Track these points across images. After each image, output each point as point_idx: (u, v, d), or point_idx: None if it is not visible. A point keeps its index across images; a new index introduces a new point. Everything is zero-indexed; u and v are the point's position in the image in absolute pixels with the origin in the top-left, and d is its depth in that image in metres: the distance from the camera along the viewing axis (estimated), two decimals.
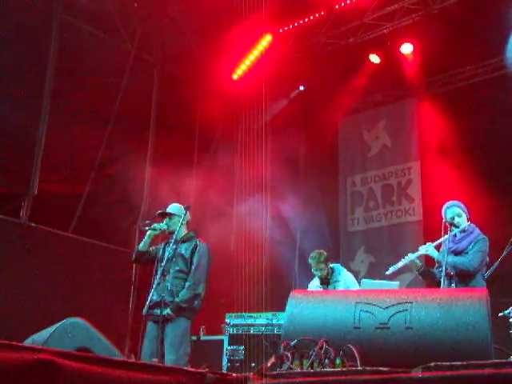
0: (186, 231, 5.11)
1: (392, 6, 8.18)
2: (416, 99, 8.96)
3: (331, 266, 5.98)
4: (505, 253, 5.20)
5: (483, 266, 4.99)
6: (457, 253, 5.02)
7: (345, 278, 5.91)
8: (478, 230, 5.09)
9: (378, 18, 8.40)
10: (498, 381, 1.62)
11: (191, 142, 9.35)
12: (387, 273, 5.05)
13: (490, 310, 2.22)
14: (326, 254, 5.95)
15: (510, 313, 4.72)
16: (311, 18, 8.74)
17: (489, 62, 8.34)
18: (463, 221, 5.06)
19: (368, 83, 8.79)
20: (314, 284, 6.07)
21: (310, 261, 5.93)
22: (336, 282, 5.90)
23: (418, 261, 5.10)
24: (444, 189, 8.28)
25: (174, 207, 5.15)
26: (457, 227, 5.02)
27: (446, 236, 4.90)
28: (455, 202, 5.19)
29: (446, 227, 4.87)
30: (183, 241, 4.99)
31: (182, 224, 4.97)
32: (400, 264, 5.04)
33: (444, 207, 5.17)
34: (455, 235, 5.12)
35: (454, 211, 5.09)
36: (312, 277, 6.17)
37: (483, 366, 1.74)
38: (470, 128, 7.85)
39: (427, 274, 5.05)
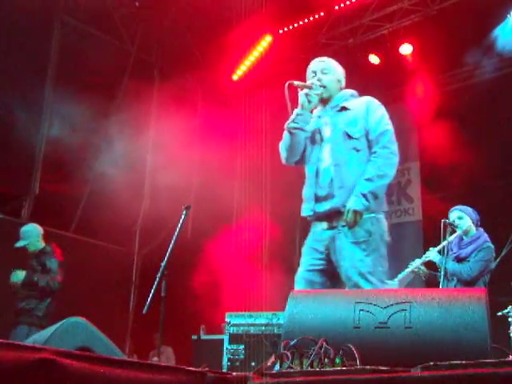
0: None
1: (391, 7, 8.20)
2: (415, 99, 8.96)
3: None
4: (504, 251, 5.22)
5: (486, 274, 5.00)
6: (459, 259, 5.04)
7: None
8: (484, 237, 5.09)
9: (377, 19, 8.42)
10: (497, 380, 1.63)
11: (192, 141, 9.35)
12: (396, 280, 5.06)
13: (489, 309, 2.23)
14: None
15: (508, 312, 4.75)
16: (311, 18, 8.75)
17: (488, 63, 8.33)
18: (464, 223, 5.07)
19: (368, 83, 8.79)
20: None
21: None
22: None
23: (424, 268, 5.12)
24: (444, 188, 8.29)
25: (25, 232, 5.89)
26: (456, 227, 5.04)
27: (450, 239, 4.92)
28: (458, 206, 5.22)
29: (444, 227, 4.90)
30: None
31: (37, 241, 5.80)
32: (407, 270, 5.06)
33: (449, 211, 5.21)
34: (462, 239, 5.13)
35: (455, 214, 5.12)
36: None
37: (482, 366, 1.74)
38: (469, 128, 7.86)
39: (436, 280, 5.06)
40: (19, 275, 5.61)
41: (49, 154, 7.53)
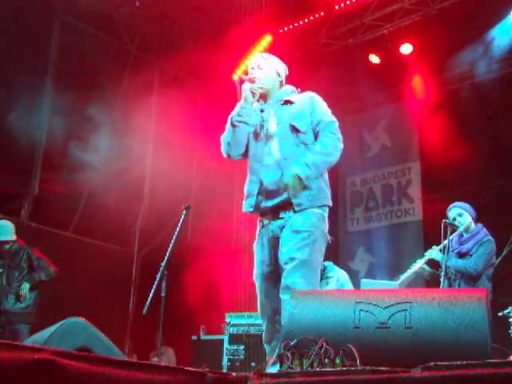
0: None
1: (391, 7, 8.19)
2: (416, 99, 8.96)
3: (323, 263, 6.04)
4: (505, 252, 5.24)
5: (488, 268, 5.01)
6: (461, 254, 5.04)
7: (337, 275, 5.95)
8: (484, 231, 5.10)
9: (377, 19, 8.41)
10: (498, 381, 1.63)
11: (192, 141, 9.35)
12: (398, 282, 5.06)
13: (490, 310, 2.23)
14: None
15: (509, 312, 4.75)
16: (311, 18, 8.74)
17: (488, 63, 8.32)
18: (464, 220, 5.08)
19: (368, 83, 8.79)
20: None
21: None
22: (328, 277, 5.93)
23: (426, 266, 5.12)
24: (444, 188, 8.29)
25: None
26: (457, 227, 5.04)
27: (451, 237, 4.92)
28: (456, 203, 5.22)
29: (445, 227, 4.90)
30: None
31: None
32: (410, 271, 5.06)
33: (447, 209, 5.20)
34: (462, 235, 5.14)
35: (455, 211, 5.13)
36: None
37: (483, 366, 1.74)
38: (470, 128, 7.86)
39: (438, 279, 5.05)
40: (25, 286, 5.69)
41: (48, 153, 7.53)
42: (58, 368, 1.59)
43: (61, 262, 7.30)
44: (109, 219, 7.54)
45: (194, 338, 6.66)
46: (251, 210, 3.47)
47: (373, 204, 9.36)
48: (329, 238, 3.41)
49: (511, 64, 8.17)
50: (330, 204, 3.45)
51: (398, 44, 8.54)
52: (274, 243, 3.35)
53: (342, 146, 3.48)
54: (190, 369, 1.90)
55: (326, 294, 2.75)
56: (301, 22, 8.84)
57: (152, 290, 4.72)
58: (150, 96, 9.04)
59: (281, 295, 3.16)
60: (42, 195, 7.48)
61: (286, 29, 8.97)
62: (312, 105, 3.49)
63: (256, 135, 3.54)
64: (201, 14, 8.63)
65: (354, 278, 8.01)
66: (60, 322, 2.78)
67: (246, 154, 3.62)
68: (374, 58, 8.85)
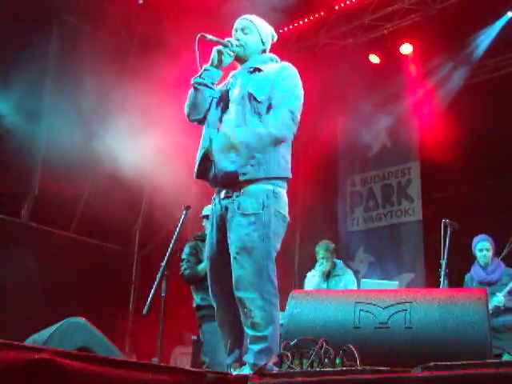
0: None
1: (391, 7, 8.19)
2: (416, 99, 8.96)
3: (334, 260, 5.94)
4: (505, 252, 5.30)
5: None
6: (491, 284, 5.27)
7: (346, 277, 5.82)
8: (502, 263, 5.43)
9: (377, 19, 8.41)
10: (498, 380, 1.63)
11: (192, 142, 9.34)
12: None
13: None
14: (334, 245, 5.96)
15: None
16: (311, 18, 8.74)
17: (488, 63, 8.34)
18: (489, 255, 5.43)
19: (368, 83, 8.79)
20: (312, 274, 5.96)
21: (317, 249, 5.84)
22: (337, 276, 5.81)
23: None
24: (444, 188, 8.29)
25: None
26: (457, 227, 5.10)
27: (472, 271, 5.31)
28: (485, 237, 5.51)
29: (445, 227, 4.93)
30: None
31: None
32: None
33: (475, 240, 5.48)
34: (481, 266, 5.42)
35: (485, 245, 5.41)
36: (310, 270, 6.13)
37: (482, 366, 1.74)
38: (470, 128, 7.86)
39: None
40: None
41: (49, 153, 7.53)
42: (57, 368, 1.59)
43: (61, 261, 7.32)
44: (109, 219, 7.53)
45: (194, 337, 6.65)
46: (195, 175, 3.26)
47: (373, 204, 9.36)
48: (287, 216, 3.10)
49: (510, 64, 8.19)
50: (287, 175, 3.14)
51: (398, 44, 8.55)
52: (222, 225, 3.08)
53: (295, 127, 3.11)
54: (190, 369, 1.90)
55: (326, 294, 2.76)
56: (301, 22, 8.84)
57: (152, 290, 4.72)
58: (149, 96, 9.03)
59: (235, 292, 2.90)
60: (42, 195, 7.48)
61: (285, 29, 8.96)
62: (278, 74, 3.18)
63: (219, 100, 3.34)
64: (201, 14, 8.62)
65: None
66: (60, 322, 2.78)
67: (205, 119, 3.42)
68: (374, 58, 8.85)
